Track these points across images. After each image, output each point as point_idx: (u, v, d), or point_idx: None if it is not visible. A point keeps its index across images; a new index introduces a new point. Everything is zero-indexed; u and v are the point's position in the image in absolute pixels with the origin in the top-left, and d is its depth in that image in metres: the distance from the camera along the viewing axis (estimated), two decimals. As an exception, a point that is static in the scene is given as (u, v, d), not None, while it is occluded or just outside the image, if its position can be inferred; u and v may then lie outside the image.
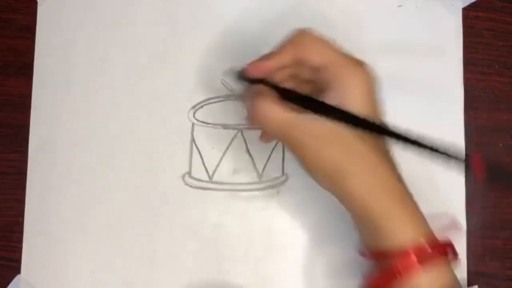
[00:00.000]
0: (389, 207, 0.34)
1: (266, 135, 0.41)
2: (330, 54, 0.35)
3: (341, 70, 0.34)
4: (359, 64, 0.35)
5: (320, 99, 0.35)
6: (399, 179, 0.35)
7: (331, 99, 0.34)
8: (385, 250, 0.34)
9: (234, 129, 0.46)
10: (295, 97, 0.35)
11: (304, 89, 0.36)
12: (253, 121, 0.36)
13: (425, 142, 0.33)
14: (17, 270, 0.44)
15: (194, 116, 0.46)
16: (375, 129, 0.35)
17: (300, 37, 0.36)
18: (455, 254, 0.36)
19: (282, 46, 0.36)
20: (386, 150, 0.36)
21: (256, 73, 0.36)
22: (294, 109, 0.35)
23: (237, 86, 0.45)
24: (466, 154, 0.33)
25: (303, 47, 0.35)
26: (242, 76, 0.37)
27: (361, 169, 0.34)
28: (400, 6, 0.48)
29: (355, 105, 0.34)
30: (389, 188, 0.35)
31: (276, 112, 0.34)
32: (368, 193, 0.34)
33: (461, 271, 0.45)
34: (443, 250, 0.35)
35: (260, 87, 0.36)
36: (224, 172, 0.45)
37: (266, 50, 0.46)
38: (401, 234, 0.34)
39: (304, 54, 0.35)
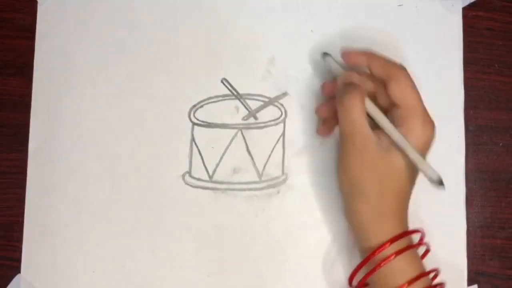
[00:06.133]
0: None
1: (325, 130, 0.44)
2: (412, 99, 0.38)
3: (414, 115, 0.38)
4: (429, 121, 0.39)
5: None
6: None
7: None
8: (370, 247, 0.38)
9: (234, 129, 0.46)
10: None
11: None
12: (341, 106, 0.38)
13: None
14: (17, 270, 0.44)
15: (194, 116, 0.46)
16: None
17: (396, 67, 0.40)
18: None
19: (380, 59, 0.40)
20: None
21: (349, 59, 0.41)
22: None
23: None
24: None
25: (392, 77, 0.39)
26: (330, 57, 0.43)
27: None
28: (400, 6, 0.48)
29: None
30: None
31: (362, 115, 0.38)
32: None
33: (461, 270, 0.45)
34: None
35: (359, 79, 0.39)
36: (224, 172, 0.45)
37: (266, 49, 0.47)
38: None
39: (390, 84, 0.38)
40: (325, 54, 0.43)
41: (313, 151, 0.46)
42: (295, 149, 0.46)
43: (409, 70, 0.46)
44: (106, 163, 0.45)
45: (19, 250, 0.44)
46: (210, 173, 0.45)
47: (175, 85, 0.46)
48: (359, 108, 0.38)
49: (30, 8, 0.46)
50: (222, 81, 0.46)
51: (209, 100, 0.46)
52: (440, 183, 0.37)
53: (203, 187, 0.45)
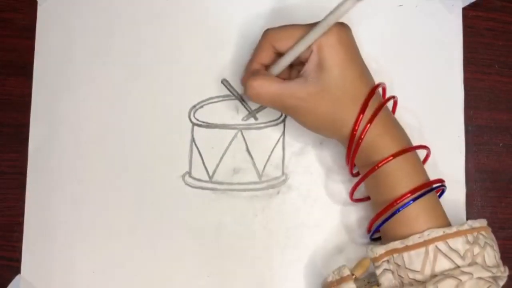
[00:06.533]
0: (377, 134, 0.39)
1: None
2: (294, 35, 0.39)
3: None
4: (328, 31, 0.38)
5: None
6: (386, 112, 0.40)
7: (312, 61, 0.38)
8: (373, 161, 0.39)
9: (234, 129, 0.46)
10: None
11: None
12: (251, 99, 0.40)
13: None
14: (17, 270, 0.44)
15: (194, 116, 0.46)
16: None
17: (265, 34, 0.40)
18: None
19: (255, 50, 0.41)
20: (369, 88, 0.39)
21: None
22: (282, 77, 0.40)
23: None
24: None
25: (271, 41, 0.40)
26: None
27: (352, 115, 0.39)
28: (400, 5, 0.48)
29: (331, 58, 0.38)
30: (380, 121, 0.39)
31: (267, 87, 0.39)
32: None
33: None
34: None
35: (253, 69, 0.41)
36: (224, 172, 0.46)
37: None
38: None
39: (276, 45, 0.40)
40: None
41: (313, 151, 0.46)
42: (295, 149, 0.46)
43: (409, 70, 0.47)
44: (106, 163, 0.45)
45: (19, 250, 0.44)
46: (210, 173, 0.45)
47: (175, 85, 0.46)
48: (261, 88, 0.39)
49: (30, 8, 0.46)
50: (222, 82, 0.46)
51: (209, 100, 0.46)
52: None
53: (203, 187, 0.45)
